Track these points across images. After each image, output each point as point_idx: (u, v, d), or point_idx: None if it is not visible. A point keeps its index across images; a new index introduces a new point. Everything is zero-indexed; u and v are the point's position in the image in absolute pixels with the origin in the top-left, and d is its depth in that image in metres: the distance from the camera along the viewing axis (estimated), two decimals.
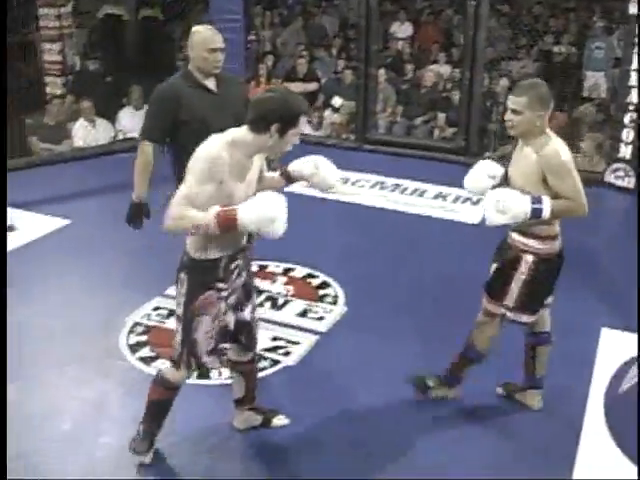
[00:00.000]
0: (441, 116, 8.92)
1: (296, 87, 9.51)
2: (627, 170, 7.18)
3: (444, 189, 7.06)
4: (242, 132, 3.04)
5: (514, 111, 3.46)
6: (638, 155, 7.07)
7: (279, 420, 3.86)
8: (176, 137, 4.12)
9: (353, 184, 7.13)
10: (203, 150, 2.97)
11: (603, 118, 8.56)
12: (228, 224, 2.96)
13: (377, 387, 4.12)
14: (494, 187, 3.67)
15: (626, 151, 7.19)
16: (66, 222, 6.24)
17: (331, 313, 4.88)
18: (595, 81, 9.85)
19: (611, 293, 5.19)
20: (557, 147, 3.45)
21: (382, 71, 9.22)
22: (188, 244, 3.20)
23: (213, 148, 2.97)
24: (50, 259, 5.65)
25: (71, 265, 5.57)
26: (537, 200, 3.38)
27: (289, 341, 4.55)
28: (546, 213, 3.40)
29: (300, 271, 5.39)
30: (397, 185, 7.13)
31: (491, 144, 8.42)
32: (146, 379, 3.72)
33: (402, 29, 11.53)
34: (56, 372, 4.27)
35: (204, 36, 4.14)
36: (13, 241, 5.91)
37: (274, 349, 4.46)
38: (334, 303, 5.00)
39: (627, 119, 7.11)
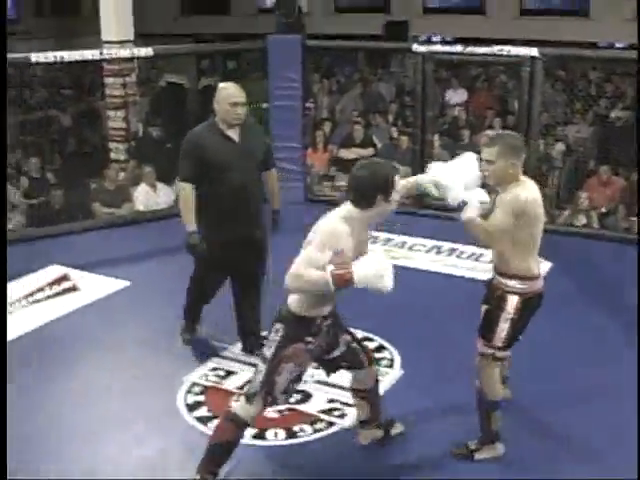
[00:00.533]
0: None
1: (352, 153, 9.68)
2: None
3: (459, 246, 7.11)
4: (351, 209, 3.44)
5: (488, 161, 3.69)
6: None
7: (396, 429, 4.21)
8: (200, 179, 4.69)
9: (410, 249, 7.16)
10: (325, 224, 3.44)
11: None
12: (344, 280, 3.27)
13: (434, 448, 4.10)
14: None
15: None
16: (127, 283, 6.37)
17: (387, 376, 4.87)
18: None
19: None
20: (520, 190, 3.69)
21: (437, 137, 9.31)
22: (290, 300, 3.54)
23: (332, 223, 3.42)
24: (112, 319, 5.76)
25: (132, 324, 5.68)
26: (478, 199, 3.66)
27: (345, 403, 4.55)
28: (485, 199, 3.71)
29: (356, 334, 5.39)
30: (453, 249, 7.14)
31: (547, 208, 8.38)
32: (203, 438, 3.76)
33: (457, 95, 11.67)
34: (116, 430, 4.33)
35: (228, 92, 4.68)
36: (76, 301, 6.06)
37: (330, 411, 4.48)
38: (390, 366, 5.00)
39: None
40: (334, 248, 3.31)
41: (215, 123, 4.74)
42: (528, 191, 3.70)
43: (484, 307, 3.99)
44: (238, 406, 3.68)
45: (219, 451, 3.64)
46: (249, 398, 3.62)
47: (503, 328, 3.80)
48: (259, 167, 4.90)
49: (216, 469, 3.64)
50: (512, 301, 3.77)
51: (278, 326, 3.59)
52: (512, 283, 3.78)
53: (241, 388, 4.70)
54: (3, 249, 3.32)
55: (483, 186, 3.80)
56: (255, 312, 5.06)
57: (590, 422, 4.34)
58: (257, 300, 5.06)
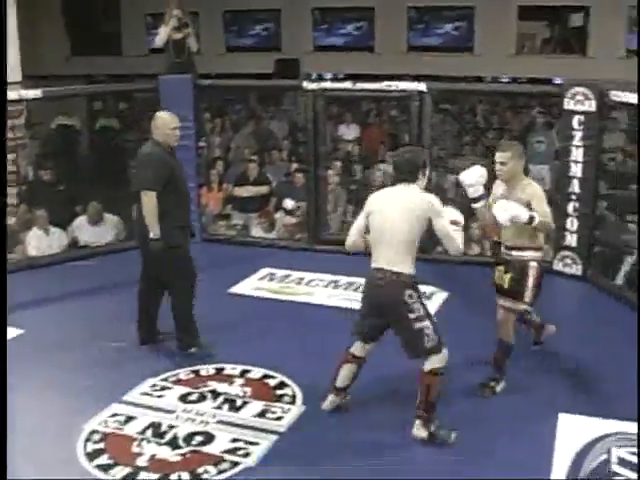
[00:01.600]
0: None
1: (247, 191, 9.70)
2: (574, 258, 7.38)
3: None
4: (412, 185, 4.46)
5: (501, 163, 4.99)
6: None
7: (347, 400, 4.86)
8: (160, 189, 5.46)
9: (307, 284, 7.21)
10: (424, 201, 4.41)
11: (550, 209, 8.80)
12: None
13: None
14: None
15: (571, 239, 7.40)
16: (20, 332, 6.18)
17: (289, 413, 4.88)
18: (538, 174, 10.17)
19: (567, 379, 5.28)
20: (533, 183, 5.07)
21: (331, 172, 9.43)
22: (401, 268, 4.36)
23: (426, 197, 4.44)
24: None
25: (26, 373, 5.51)
26: (531, 209, 4.82)
27: (248, 442, 4.54)
28: (537, 219, 4.79)
29: (257, 372, 5.40)
30: (350, 283, 7.23)
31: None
32: None
33: (349, 131, 11.86)
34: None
35: (166, 119, 5.67)
36: None
37: (234, 450, 4.45)
38: (292, 402, 5.01)
39: (570, 208, 7.35)
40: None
41: (159, 142, 5.59)
42: (535, 182, 5.13)
43: (507, 275, 5.02)
44: (431, 363, 4.40)
45: (436, 402, 4.45)
46: (435, 350, 4.40)
47: (530, 288, 4.97)
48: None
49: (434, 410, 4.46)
50: (534, 267, 4.98)
51: (409, 292, 4.37)
52: (531, 254, 4.99)
53: (142, 433, 4.64)
54: (3, 252, 3.29)
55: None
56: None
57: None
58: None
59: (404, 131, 10.42)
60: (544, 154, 10.41)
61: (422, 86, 7.76)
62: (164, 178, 5.47)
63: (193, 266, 5.79)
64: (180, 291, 5.72)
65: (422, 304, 4.43)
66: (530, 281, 4.98)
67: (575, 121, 7.18)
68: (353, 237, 4.69)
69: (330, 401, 4.83)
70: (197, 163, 8.69)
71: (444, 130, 11.54)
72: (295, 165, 10.19)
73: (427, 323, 4.40)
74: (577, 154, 7.22)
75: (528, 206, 4.84)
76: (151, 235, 5.44)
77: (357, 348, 4.74)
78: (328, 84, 8.51)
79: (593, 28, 16.28)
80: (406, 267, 4.38)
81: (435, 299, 6.82)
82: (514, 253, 5.04)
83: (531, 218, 4.78)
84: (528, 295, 4.99)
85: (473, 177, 4.95)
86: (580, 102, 7.13)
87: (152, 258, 5.57)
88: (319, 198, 8.39)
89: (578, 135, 7.19)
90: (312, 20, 17.67)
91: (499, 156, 5.01)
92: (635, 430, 4.52)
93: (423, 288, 6.85)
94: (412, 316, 4.36)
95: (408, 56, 16.99)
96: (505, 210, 4.79)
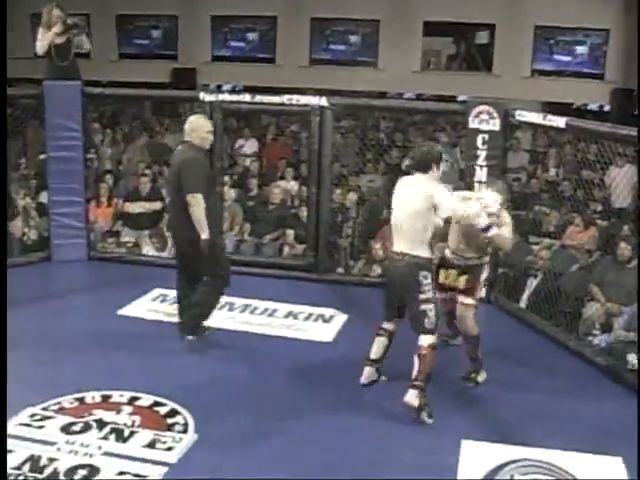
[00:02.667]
0: (290, 233, 9.12)
1: (139, 207, 9.57)
2: None
3: (295, 307, 7.17)
4: (424, 175, 5.21)
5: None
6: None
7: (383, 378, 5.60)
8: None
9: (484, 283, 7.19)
10: (436, 191, 5.12)
11: None
12: None
13: None
14: None
15: None
16: None
17: (181, 442, 4.81)
18: None
19: (469, 405, 5.38)
20: None
21: (228, 188, 9.40)
22: (419, 252, 5.08)
23: (437, 187, 5.18)
24: None
25: None
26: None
27: (136, 475, 4.45)
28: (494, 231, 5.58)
29: (146, 399, 5.31)
30: (247, 305, 7.20)
31: (342, 259, 8.65)
32: None
33: (248, 146, 11.86)
34: None
35: (201, 122, 6.14)
36: None
37: None
38: (184, 431, 4.94)
39: None
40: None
41: (195, 146, 6.04)
42: None
43: (464, 277, 5.76)
44: (427, 339, 5.10)
45: (429, 374, 5.11)
46: (431, 331, 5.11)
47: (482, 285, 5.98)
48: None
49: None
50: (486, 267, 5.91)
51: (425, 273, 5.08)
52: (485, 258, 5.85)
53: (18, 468, 4.48)
54: (3, 250, 3.14)
55: None
56: None
57: None
58: None
59: (304, 147, 10.51)
60: (448, 174, 10.58)
61: (323, 101, 7.83)
62: (206, 180, 6.01)
63: (227, 259, 6.41)
64: (216, 282, 6.19)
65: (433, 289, 5.15)
66: (481, 280, 5.88)
67: (479, 140, 7.37)
68: None
69: (366, 374, 5.52)
70: (85, 176, 8.53)
71: (346, 147, 11.65)
72: None
73: (431, 306, 5.11)
74: (481, 174, 7.40)
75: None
76: (203, 236, 5.86)
77: (385, 322, 5.47)
78: (226, 96, 8.47)
79: (499, 46, 16.81)
80: (422, 251, 5.10)
81: (335, 322, 6.87)
82: (473, 255, 5.81)
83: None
84: (480, 290, 5.98)
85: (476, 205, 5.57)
86: (485, 121, 7.32)
87: (199, 258, 5.97)
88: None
89: (482, 154, 7.37)
90: (211, 28, 17.66)
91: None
92: (536, 457, 4.65)
93: (322, 311, 7.03)
94: (422, 297, 5.08)
95: (310, 69, 17.17)
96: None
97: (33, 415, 5.07)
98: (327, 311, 7.11)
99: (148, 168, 10.48)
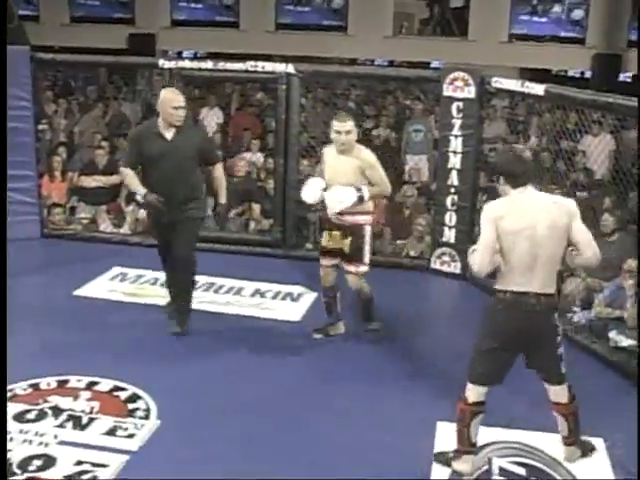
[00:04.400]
0: (255, 207, 9.09)
1: (95, 181, 9.49)
2: (452, 255, 7.57)
3: (263, 285, 7.19)
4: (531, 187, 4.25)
5: (347, 132, 5.63)
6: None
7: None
8: (137, 167, 6.07)
9: (163, 285, 7.09)
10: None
11: (425, 202, 9.00)
12: None
13: None
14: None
15: (450, 235, 7.60)
16: None
17: (143, 428, 4.80)
18: (415, 164, 10.38)
19: (444, 386, 5.39)
20: (369, 151, 5.82)
21: None
22: (550, 289, 4.22)
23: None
24: None
25: None
26: (359, 189, 5.61)
27: (95, 464, 4.43)
28: (366, 196, 5.67)
29: (106, 384, 5.29)
30: (211, 284, 7.18)
31: (310, 234, 8.63)
32: None
33: (211, 116, 11.77)
34: None
35: (168, 96, 5.94)
36: None
37: (78, 474, 4.32)
38: (146, 417, 4.93)
39: (449, 202, 7.54)
40: None
41: (154, 121, 6.03)
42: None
43: (347, 240, 5.75)
44: (566, 391, 4.42)
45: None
46: (566, 377, 4.39)
47: (368, 251, 5.83)
48: (193, 162, 6.06)
49: None
50: (369, 231, 5.83)
51: (556, 314, 4.29)
52: (364, 218, 5.77)
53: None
54: (3, 248, 3.09)
55: None
56: (179, 292, 6.17)
57: None
58: (181, 282, 6.13)
59: (271, 117, 10.46)
60: (421, 143, 10.63)
61: (290, 68, 7.80)
62: (134, 157, 6.01)
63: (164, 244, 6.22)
64: (194, 266, 6.15)
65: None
66: (367, 244, 5.82)
67: (454, 108, 7.38)
68: (487, 257, 4.20)
69: (472, 465, 4.44)
70: (37, 148, 8.44)
71: (315, 116, 11.60)
72: None
73: (562, 347, 4.36)
74: (456, 144, 7.43)
75: (362, 173, 5.69)
76: (140, 192, 5.92)
77: (479, 393, 4.38)
78: (187, 63, 8.41)
79: (475, 9, 16.81)
80: (553, 287, 4.28)
81: (303, 300, 6.88)
82: (348, 218, 5.74)
83: (360, 198, 5.63)
84: (367, 258, 5.85)
85: (312, 193, 5.82)
86: (459, 88, 7.33)
87: (189, 239, 6.08)
88: None
89: (457, 124, 7.40)
90: None
91: (344, 125, 5.67)
92: (515, 438, 4.69)
93: (290, 289, 7.02)
94: (558, 340, 4.32)
95: (276, 35, 17.07)
96: (335, 198, 5.61)
97: None
98: (295, 289, 7.11)
99: (105, 140, 10.37)
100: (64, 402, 5.06)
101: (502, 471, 4.47)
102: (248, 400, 5.16)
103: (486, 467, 4.49)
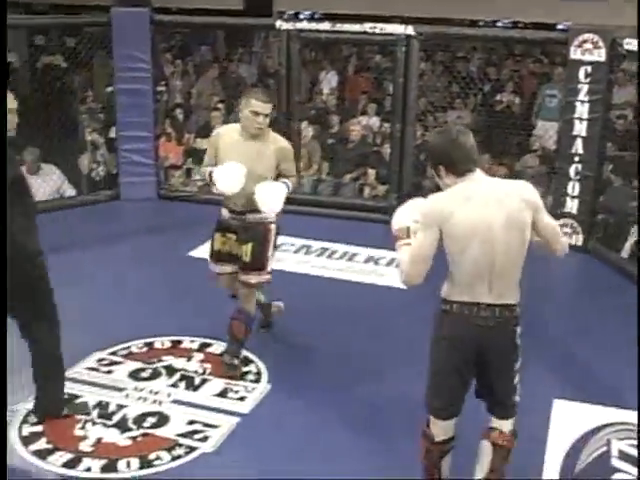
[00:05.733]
0: (371, 172, 9.07)
1: None
2: (574, 226, 7.41)
3: (376, 252, 7.18)
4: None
5: (265, 115, 4.81)
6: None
7: None
8: None
9: (275, 248, 7.16)
10: None
11: (547, 171, 8.82)
12: None
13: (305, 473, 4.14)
14: None
15: (572, 205, 7.43)
16: None
17: (253, 392, 4.88)
18: (545, 131, 10.14)
19: (562, 363, 5.31)
20: (285, 140, 5.07)
21: (306, 124, 9.36)
22: (511, 298, 3.51)
23: None
24: None
25: None
26: (285, 184, 4.88)
27: (207, 424, 4.54)
28: (291, 188, 4.96)
29: (218, 347, 5.38)
30: (324, 249, 7.22)
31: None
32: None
33: (327, 78, 11.78)
34: None
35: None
36: None
37: (191, 434, 4.44)
38: (257, 381, 5.01)
39: (572, 171, 7.37)
40: None
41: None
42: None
43: (248, 245, 4.93)
44: (509, 424, 3.66)
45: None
46: (516, 409, 3.66)
47: (271, 256, 5.04)
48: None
49: None
50: (273, 231, 5.04)
51: (518, 330, 3.55)
52: (269, 215, 4.95)
53: (87, 414, 4.61)
54: (3, 250, 3.26)
55: None
56: None
57: None
58: None
59: (388, 80, 10.39)
60: (555, 110, 10.35)
61: (410, 29, 7.71)
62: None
63: None
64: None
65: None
66: (270, 248, 5.04)
67: (581, 72, 7.18)
68: (423, 267, 3.49)
69: None
70: (155, 110, 8.60)
71: (433, 80, 11.49)
72: None
73: (518, 375, 3.64)
74: (582, 110, 7.23)
75: (275, 160, 4.90)
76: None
77: (445, 429, 3.68)
78: (304, 24, 8.41)
79: None
80: (515, 296, 3.55)
81: None
82: (250, 217, 4.97)
83: (288, 189, 4.93)
84: (270, 264, 5.04)
85: (233, 183, 4.80)
86: (588, 51, 7.12)
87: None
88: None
89: (584, 89, 7.19)
90: None
91: (264, 107, 4.82)
92: (636, 420, 4.58)
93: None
94: (516, 367, 3.60)
95: None
96: (271, 194, 4.80)
97: (101, 360, 5.20)
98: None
99: (221, 102, 10.50)
100: (178, 362, 5.19)
101: (621, 454, 4.36)
102: (359, 367, 5.19)
103: (604, 449, 4.39)
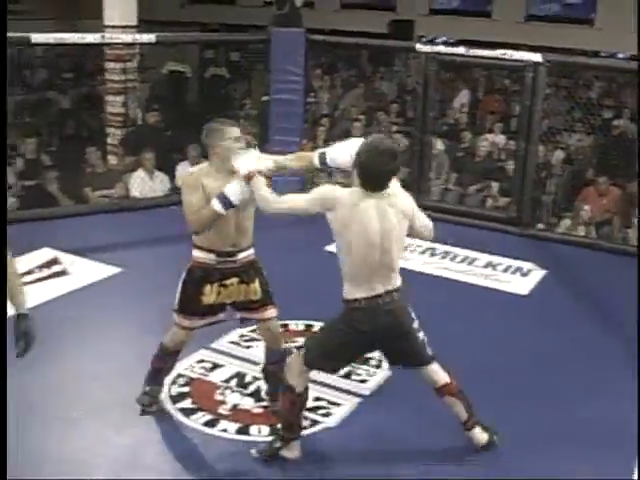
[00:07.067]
0: (494, 185, 8.89)
1: None
2: None
3: (495, 258, 7.00)
4: None
5: (237, 139, 3.93)
6: None
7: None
8: None
9: (403, 248, 7.09)
10: None
11: None
12: None
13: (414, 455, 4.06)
14: None
15: None
16: (119, 270, 6.30)
17: (375, 376, 4.83)
18: None
19: None
20: None
21: (437, 138, 9.24)
22: (398, 281, 3.81)
23: None
24: (101, 305, 5.70)
25: (121, 312, 5.62)
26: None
27: (331, 402, 4.51)
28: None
29: None
30: (447, 252, 7.10)
31: (544, 216, 8.34)
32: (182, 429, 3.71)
33: (460, 97, 11.61)
34: (95, 418, 4.28)
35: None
36: (66, 285, 6.01)
37: (315, 409, 4.42)
38: (378, 367, 4.95)
39: None
40: None
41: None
42: None
43: (254, 285, 4.15)
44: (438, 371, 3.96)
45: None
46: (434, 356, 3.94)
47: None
48: None
49: None
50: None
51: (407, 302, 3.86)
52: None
53: (227, 381, 4.67)
54: (3, 250, 3.34)
55: None
56: None
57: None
58: None
59: (515, 102, 10.17)
60: None
61: (538, 57, 7.50)
62: None
63: None
64: None
65: None
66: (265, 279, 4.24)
67: None
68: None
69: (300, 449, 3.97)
70: (303, 119, 8.64)
71: (556, 104, 11.18)
72: (395, 127, 10.03)
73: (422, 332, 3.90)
74: None
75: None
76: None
77: (307, 380, 3.91)
78: (441, 48, 8.31)
79: None
80: (399, 277, 3.81)
81: (532, 276, 6.65)
82: (240, 256, 4.12)
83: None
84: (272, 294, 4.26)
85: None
86: None
87: None
88: (423, 163, 8.25)
89: None
90: None
91: (239, 131, 4.00)
92: None
93: (521, 264, 6.81)
94: (415, 326, 3.88)
95: (525, 25, 16.51)
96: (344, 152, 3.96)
97: (242, 336, 5.26)
98: (526, 265, 6.89)
99: (362, 114, 10.48)
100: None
101: None
102: (477, 362, 5.05)
103: None
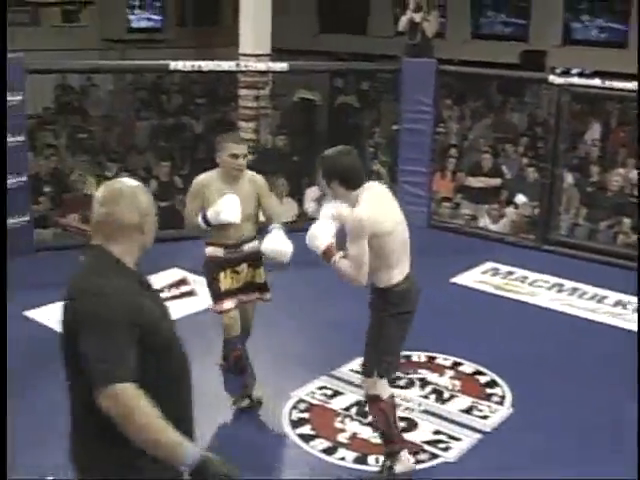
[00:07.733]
0: (626, 221, 8.60)
1: (479, 182, 9.51)
2: None
3: (625, 297, 6.75)
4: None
5: (244, 156, 4.44)
6: None
7: None
8: None
9: (530, 284, 6.96)
10: None
11: None
12: None
13: None
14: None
15: None
16: None
17: (496, 413, 4.74)
18: None
19: None
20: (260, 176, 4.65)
21: (567, 172, 9.04)
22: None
23: None
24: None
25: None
26: (278, 227, 4.52)
27: (451, 436, 4.46)
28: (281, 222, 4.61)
29: (469, 366, 5.29)
30: (576, 289, 6.90)
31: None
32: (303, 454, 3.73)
33: (591, 130, 11.33)
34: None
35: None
36: (192, 306, 6.15)
37: (435, 442, 4.38)
38: (500, 403, 4.86)
39: None
40: None
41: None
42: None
43: (259, 270, 4.66)
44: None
45: None
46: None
47: None
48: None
49: None
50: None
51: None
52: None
53: (347, 409, 4.67)
54: (3, 249, 3.35)
55: None
56: None
57: None
58: None
59: None
60: None
61: None
62: None
63: None
64: None
65: None
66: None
67: None
68: (367, 269, 3.76)
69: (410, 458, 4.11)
70: (432, 149, 8.61)
71: None
72: (526, 160, 9.86)
73: None
74: None
75: (256, 197, 4.54)
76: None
77: (387, 385, 4.03)
78: (576, 79, 8.14)
79: None
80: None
81: None
82: (245, 247, 4.57)
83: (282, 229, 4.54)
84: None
85: (236, 210, 4.38)
86: None
87: None
88: (553, 197, 8.07)
89: None
90: (562, 12, 17.05)
91: (241, 149, 4.46)
92: None
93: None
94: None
95: None
96: (282, 246, 4.43)
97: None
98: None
99: (490, 146, 10.36)
100: (431, 376, 5.16)
101: None
102: (601, 406, 4.89)
103: None
